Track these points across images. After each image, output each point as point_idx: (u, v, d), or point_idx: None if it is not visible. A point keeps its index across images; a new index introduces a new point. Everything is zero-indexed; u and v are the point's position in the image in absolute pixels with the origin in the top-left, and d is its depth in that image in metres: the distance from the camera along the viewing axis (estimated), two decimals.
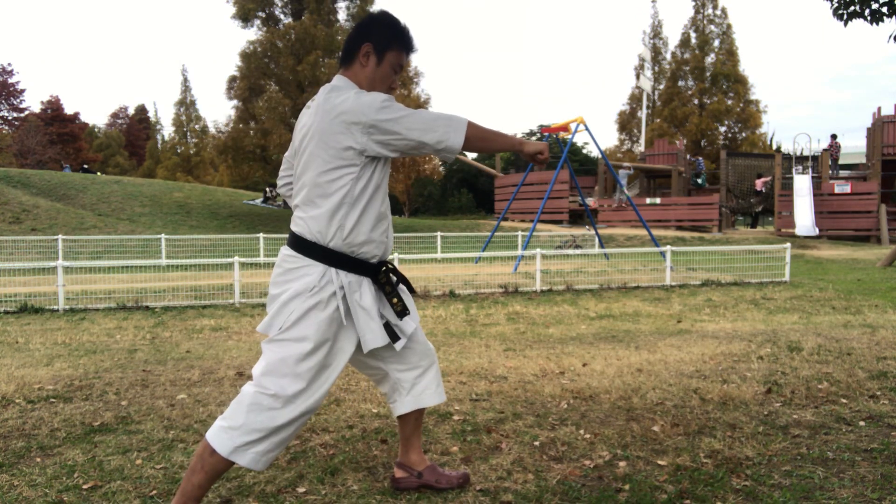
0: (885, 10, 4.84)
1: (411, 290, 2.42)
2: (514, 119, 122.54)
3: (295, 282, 2.12)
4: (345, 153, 2.08)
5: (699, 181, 27.05)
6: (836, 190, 21.04)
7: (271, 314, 2.15)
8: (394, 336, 2.23)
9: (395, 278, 2.28)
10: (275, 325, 2.12)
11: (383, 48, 2.20)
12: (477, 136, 2.16)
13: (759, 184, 23.85)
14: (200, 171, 51.49)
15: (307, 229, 2.15)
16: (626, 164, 26.47)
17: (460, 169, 43.92)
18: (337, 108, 2.08)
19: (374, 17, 2.24)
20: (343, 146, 2.08)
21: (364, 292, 2.17)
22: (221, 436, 2.07)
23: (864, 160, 23.93)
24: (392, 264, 2.31)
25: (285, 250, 2.20)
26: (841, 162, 23.48)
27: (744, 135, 38.73)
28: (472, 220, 29.60)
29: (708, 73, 38.97)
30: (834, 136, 23.14)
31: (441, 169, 45.64)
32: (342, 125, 2.07)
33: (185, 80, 57.63)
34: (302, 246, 2.15)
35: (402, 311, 2.25)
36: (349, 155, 2.09)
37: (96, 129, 63.62)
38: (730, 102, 38.43)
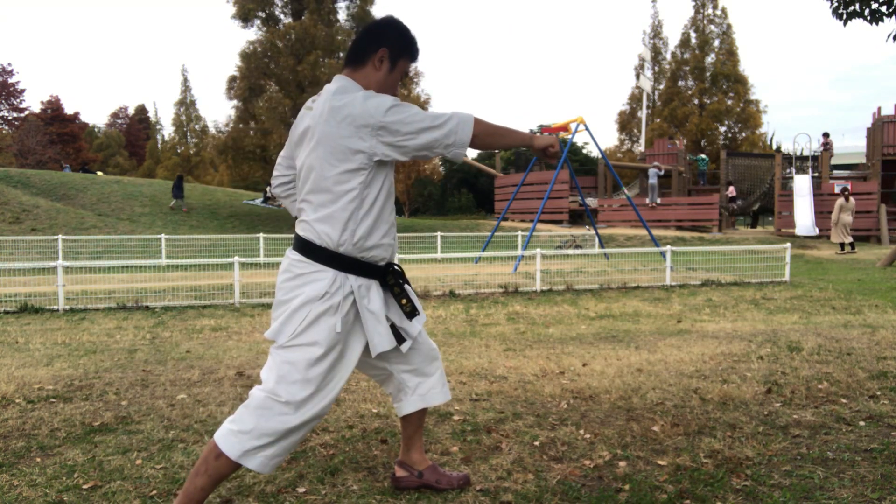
0: (884, 9, 4.84)
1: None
2: (514, 119, 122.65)
3: (305, 287, 2.10)
4: (354, 157, 2.07)
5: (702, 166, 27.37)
6: (837, 190, 21.04)
7: (280, 320, 2.12)
8: (399, 338, 2.23)
9: (402, 280, 2.29)
10: (285, 332, 2.09)
11: (397, 55, 2.21)
12: (486, 132, 2.16)
13: (731, 190, 23.90)
14: (200, 171, 51.46)
15: (315, 234, 2.13)
16: (656, 163, 25.13)
17: (460, 169, 43.85)
18: (344, 110, 2.06)
19: (390, 23, 2.25)
20: (353, 150, 2.06)
21: (372, 296, 2.17)
22: (230, 439, 2.06)
23: (864, 160, 23.91)
24: (398, 265, 2.31)
25: (293, 255, 2.17)
26: (842, 162, 23.43)
27: (744, 135, 38.70)
28: (472, 220, 29.58)
29: (708, 73, 38.92)
30: (826, 135, 23.03)
31: (441, 169, 45.68)
32: (351, 128, 2.05)
33: (185, 80, 57.60)
34: (311, 251, 2.13)
35: (412, 312, 2.26)
36: (359, 158, 2.07)
37: (96, 129, 63.65)
38: (730, 102, 38.39)
